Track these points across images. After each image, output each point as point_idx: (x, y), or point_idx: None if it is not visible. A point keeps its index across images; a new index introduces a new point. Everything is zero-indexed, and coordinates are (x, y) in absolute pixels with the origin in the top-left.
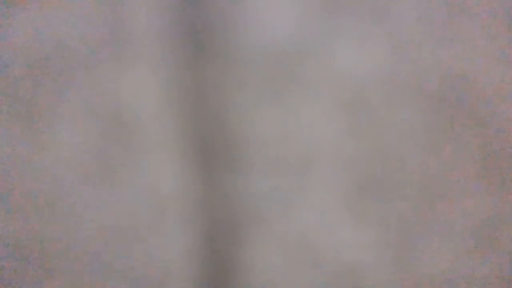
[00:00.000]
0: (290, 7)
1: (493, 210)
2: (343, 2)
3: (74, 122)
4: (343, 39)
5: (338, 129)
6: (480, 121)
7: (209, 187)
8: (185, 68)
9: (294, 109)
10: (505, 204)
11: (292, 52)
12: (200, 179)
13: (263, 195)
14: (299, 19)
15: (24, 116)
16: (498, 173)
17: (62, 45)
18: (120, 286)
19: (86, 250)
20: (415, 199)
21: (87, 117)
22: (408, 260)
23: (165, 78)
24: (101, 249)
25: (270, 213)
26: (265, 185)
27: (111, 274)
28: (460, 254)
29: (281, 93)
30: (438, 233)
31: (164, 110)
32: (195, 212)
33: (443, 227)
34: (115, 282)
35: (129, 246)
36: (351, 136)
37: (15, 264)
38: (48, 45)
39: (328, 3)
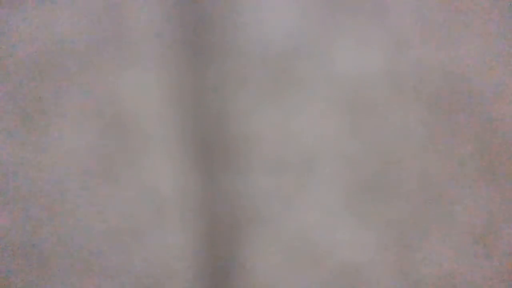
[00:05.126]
0: (290, 7)
1: (493, 210)
2: (343, 2)
3: (74, 122)
4: (343, 39)
5: (338, 128)
6: (480, 121)
7: (209, 187)
8: (185, 68)
9: (294, 109)
10: (505, 204)
11: (292, 52)
12: (200, 179)
13: (263, 195)
14: (299, 19)
15: (24, 116)
16: (498, 173)
17: (62, 45)
18: (120, 286)
19: (86, 250)
20: (415, 199)
21: (87, 117)
22: (408, 260)
23: (165, 78)
24: (101, 249)
25: (270, 213)
26: (265, 185)
27: (111, 274)
28: (460, 254)
29: (281, 93)
30: (438, 233)
31: (164, 110)
32: (195, 212)
33: (443, 227)
34: (115, 282)
35: (129, 246)
36: (351, 136)
37: (15, 264)
38: (48, 45)
39: (328, 3)
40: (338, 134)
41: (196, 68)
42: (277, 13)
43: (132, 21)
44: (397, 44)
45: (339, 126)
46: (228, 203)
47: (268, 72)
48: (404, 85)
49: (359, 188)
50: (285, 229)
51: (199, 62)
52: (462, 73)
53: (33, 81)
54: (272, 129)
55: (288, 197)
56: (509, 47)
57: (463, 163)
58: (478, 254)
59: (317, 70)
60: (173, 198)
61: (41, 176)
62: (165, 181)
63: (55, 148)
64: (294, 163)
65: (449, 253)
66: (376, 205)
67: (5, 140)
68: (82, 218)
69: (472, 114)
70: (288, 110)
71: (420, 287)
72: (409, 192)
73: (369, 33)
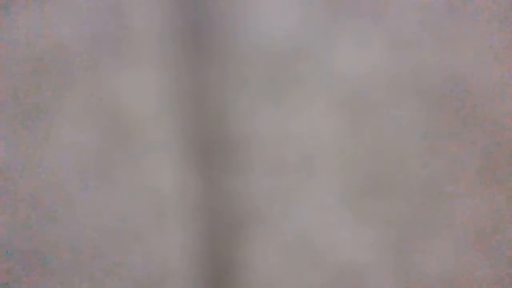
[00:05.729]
0: (290, 7)
1: (493, 210)
2: (343, 2)
3: (74, 122)
4: (343, 39)
5: (338, 129)
6: (480, 121)
7: (209, 187)
8: (185, 67)
9: (294, 109)
10: (505, 204)
11: (292, 52)
12: (200, 179)
13: (263, 195)
14: (299, 19)
15: (24, 116)
16: (498, 173)
17: (62, 45)
18: (120, 286)
19: (86, 250)
20: (415, 199)
21: (87, 117)
22: (408, 260)
23: (165, 78)
24: (101, 249)
25: (270, 213)
26: (265, 185)
27: (111, 274)
28: (460, 254)
29: (281, 93)
30: (438, 233)
31: (164, 110)
32: (195, 212)
33: (443, 227)
34: (115, 282)
35: (129, 246)
36: (351, 136)
37: (15, 264)
38: (48, 45)
39: (328, 3)
40: (338, 134)
41: (196, 68)
42: (277, 13)
43: (132, 21)
44: (397, 44)
45: (339, 126)
46: (228, 203)
47: (268, 72)
48: (404, 85)
49: (359, 188)
50: (285, 229)
51: (199, 62)
52: (462, 73)
53: (33, 81)
54: (272, 129)
55: (288, 197)
56: (509, 47)
57: (463, 163)
58: (478, 254)
59: (317, 70)
60: (173, 198)
61: (40, 176)
62: (165, 181)
63: (55, 148)
64: (294, 163)
65: (449, 253)
66: (376, 204)
67: (5, 140)
68: (82, 218)
69: (472, 114)
70: (288, 110)
71: (420, 287)
72: (409, 192)
73: (369, 33)
